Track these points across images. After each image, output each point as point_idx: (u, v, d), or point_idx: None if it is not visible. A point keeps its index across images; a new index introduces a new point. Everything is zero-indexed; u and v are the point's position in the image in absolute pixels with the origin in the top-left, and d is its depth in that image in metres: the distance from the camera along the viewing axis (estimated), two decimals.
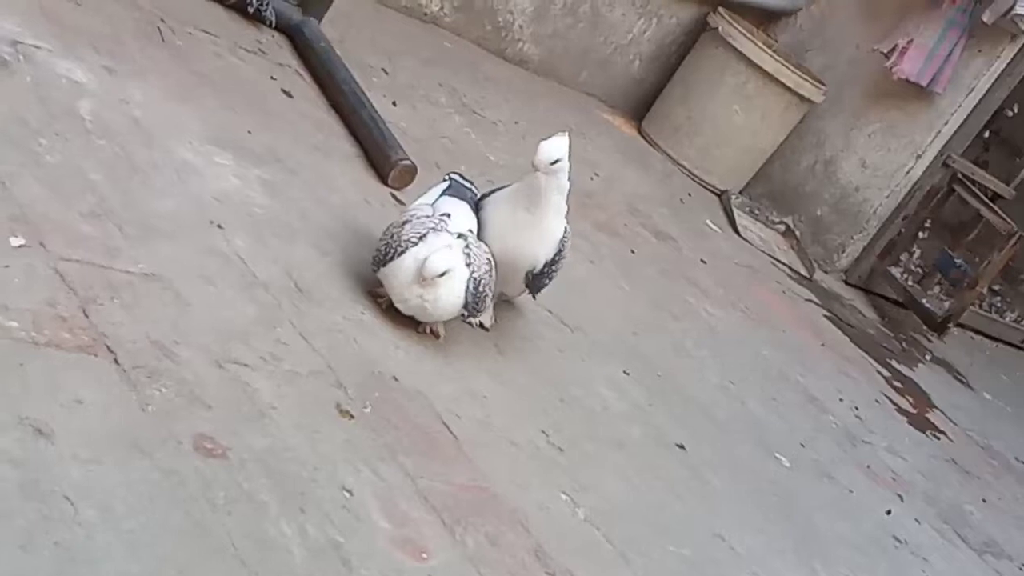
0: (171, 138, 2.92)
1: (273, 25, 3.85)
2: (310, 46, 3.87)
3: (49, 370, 2.02)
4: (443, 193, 3.04)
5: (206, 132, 3.04)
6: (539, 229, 3.05)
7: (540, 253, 3.06)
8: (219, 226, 2.72)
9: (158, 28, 3.38)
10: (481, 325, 3.04)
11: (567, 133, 2.96)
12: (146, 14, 3.40)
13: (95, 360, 2.11)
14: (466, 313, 2.87)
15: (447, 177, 3.13)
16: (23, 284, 2.15)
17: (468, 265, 2.83)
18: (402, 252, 2.81)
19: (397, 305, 2.83)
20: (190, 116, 3.08)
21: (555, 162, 2.92)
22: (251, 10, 3.79)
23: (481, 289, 2.85)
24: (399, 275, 2.80)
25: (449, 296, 2.81)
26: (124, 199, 2.57)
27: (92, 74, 2.93)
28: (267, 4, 3.81)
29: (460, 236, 2.87)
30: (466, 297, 2.83)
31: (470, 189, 3.12)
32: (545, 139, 2.94)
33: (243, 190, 2.93)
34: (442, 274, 2.77)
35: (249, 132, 3.19)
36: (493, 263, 2.93)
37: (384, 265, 2.82)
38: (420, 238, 2.82)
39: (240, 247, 2.70)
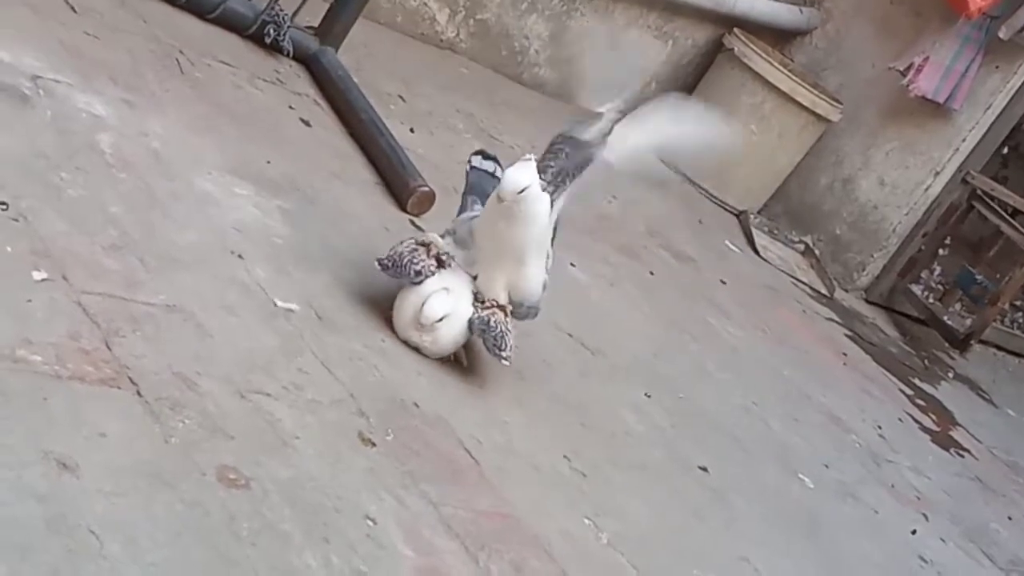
0: (191, 169, 2.94)
1: (291, 55, 3.87)
2: (327, 75, 3.89)
3: (73, 404, 2.02)
4: (464, 193, 3.04)
5: (225, 162, 3.06)
6: (508, 268, 2.88)
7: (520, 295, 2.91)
8: (239, 256, 2.73)
9: (176, 60, 3.40)
10: (457, 359, 2.92)
11: (532, 158, 2.82)
12: (164, 46, 3.42)
13: (118, 393, 2.12)
14: (497, 353, 2.84)
15: (469, 165, 3.11)
16: (46, 318, 2.16)
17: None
18: (402, 285, 2.83)
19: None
20: (209, 147, 3.10)
21: (522, 191, 2.75)
22: (268, 40, 3.81)
23: (493, 325, 2.83)
24: (398, 313, 2.83)
25: (448, 335, 2.83)
26: (145, 231, 2.58)
27: (112, 107, 2.95)
28: (284, 34, 3.83)
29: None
30: (482, 337, 2.83)
31: (492, 174, 3.08)
32: (510, 166, 2.80)
33: (263, 220, 2.94)
34: (440, 319, 2.79)
35: (268, 162, 3.20)
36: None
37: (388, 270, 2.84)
38: (417, 273, 2.81)
39: (261, 277, 2.71)
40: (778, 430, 3.82)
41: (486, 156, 3.15)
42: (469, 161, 3.14)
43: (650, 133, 2.99)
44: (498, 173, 3.10)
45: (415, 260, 2.82)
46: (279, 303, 2.65)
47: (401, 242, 2.88)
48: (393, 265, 2.83)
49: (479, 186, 3.07)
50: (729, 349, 4.21)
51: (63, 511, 1.82)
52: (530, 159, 2.80)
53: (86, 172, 2.64)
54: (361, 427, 2.46)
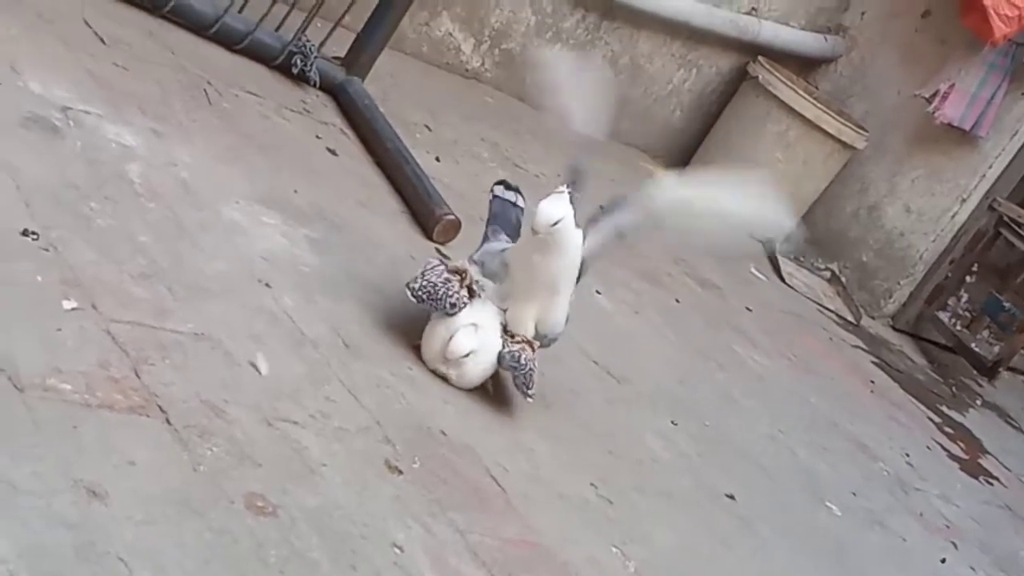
0: (219, 199, 2.96)
1: (317, 85, 3.90)
2: (354, 104, 3.91)
3: (102, 432, 2.04)
4: (488, 223, 3.06)
5: (253, 192, 3.08)
6: (541, 300, 2.90)
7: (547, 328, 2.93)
8: (267, 285, 2.75)
9: (204, 90, 3.43)
10: (483, 386, 2.92)
11: (567, 190, 2.82)
12: (192, 77, 3.46)
13: (147, 420, 2.13)
14: (525, 391, 2.85)
15: (492, 195, 3.13)
16: (75, 347, 2.18)
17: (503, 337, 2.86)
18: (430, 316, 2.84)
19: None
20: (237, 176, 3.12)
21: (556, 223, 2.76)
22: (295, 71, 3.84)
23: (523, 362, 2.83)
24: (427, 344, 2.85)
25: (475, 369, 2.84)
26: (173, 260, 2.61)
27: (140, 137, 2.98)
28: (311, 64, 3.86)
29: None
30: (511, 373, 2.84)
31: (515, 204, 3.11)
32: (544, 198, 2.80)
33: (290, 249, 2.96)
34: (466, 355, 2.80)
35: (295, 191, 3.23)
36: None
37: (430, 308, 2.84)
38: (452, 305, 2.82)
39: (288, 305, 2.72)
40: (805, 458, 3.80)
41: (508, 187, 3.17)
42: (492, 191, 3.16)
43: (701, 189, 2.99)
44: (520, 203, 3.14)
45: (450, 292, 2.83)
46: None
47: (428, 267, 2.88)
48: (428, 297, 2.83)
49: (503, 216, 3.09)
50: (755, 377, 4.20)
51: (92, 539, 1.83)
52: (563, 191, 2.81)
53: (115, 202, 2.67)
54: (388, 455, 2.47)
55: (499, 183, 3.19)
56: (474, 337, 2.81)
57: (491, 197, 3.15)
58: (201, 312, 2.50)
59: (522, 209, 3.13)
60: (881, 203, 5.89)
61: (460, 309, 2.83)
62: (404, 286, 2.85)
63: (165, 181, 2.88)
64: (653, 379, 3.64)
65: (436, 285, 2.83)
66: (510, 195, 3.15)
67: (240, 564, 1.96)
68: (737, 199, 2.94)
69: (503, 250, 2.95)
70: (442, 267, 2.88)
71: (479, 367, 2.84)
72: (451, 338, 2.80)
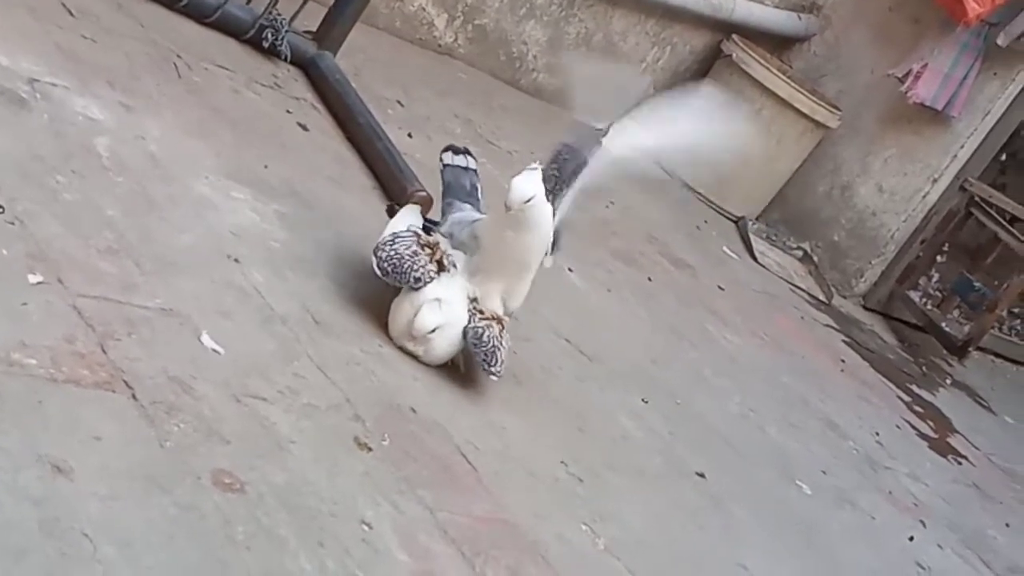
0: (188, 173, 2.93)
1: (288, 59, 3.87)
2: (325, 79, 3.88)
3: (68, 407, 2.02)
4: (443, 196, 3.02)
5: (223, 167, 3.06)
6: (510, 276, 2.89)
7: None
8: (236, 260, 2.72)
9: (174, 64, 3.40)
10: (454, 364, 2.90)
11: (539, 166, 2.81)
12: (162, 50, 3.42)
13: (113, 396, 2.11)
14: (486, 368, 2.82)
15: (441, 163, 3.08)
16: (41, 321, 2.15)
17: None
18: (398, 290, 2.81)
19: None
20: (207, 151, 3.09)
21: (528, 200, 2.75)
22: (266, 44, 3.81)
23: (485, 339, 2.80)
24: (393, 321, 2.82)
25: (443, 344, 2.81)
26: (141, 235, 2.58)
27: (109, 111, 2.95)
28: (282, 38, 3.82)
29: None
30: (475, 351, 2.81)
31: (465, 168, 3.07)
32: (516, 175, 2.78)
33: (260, 224, 2.93)
34: (432, 331, 2.78)
35: (266, 166, 3.20)
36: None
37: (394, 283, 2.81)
38: (416, 279, 2.79)
39: (258, 281, 2.70)
40: (775, 436, 3.81)
41: (456, 151, 3.14)
42: (441, 159, 3.12)
43: (655, 125, 2.98)
44: (472, 165, 3.10)
45: (415, 266, 2.80)
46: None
47: (401, 235, 2.86)
48: (393, 270, 2.81)
49: (456, 184, 3.05)
50: (727, 355, 4.21)
51: (57, 514, 1.81)
52: (536, 168, 2.79)
53: (82, 175, 2.64)
54: (357, 432, 2.45)
55: (447, 149, 3.14)
56: (439, 312, 2.79)
57: (441, 167, 3.11)
58: (169, 287, 2.47)
59: (475, 171, 3.10)
60: (853, 182, 5.91)
61: (425, 284, 2.80)
62: (372, 252, 2.82)
63: (133, 155, 2.85)
64: (625, 357, 3.64)
65: (403, 257, 2.80)
66: (460, 159, 3.10)
67: (207, 540, 1.95)
68: (690, 124, 2.95)
69: (474, 221, 2.93)
70: (413, 238, 2.85)
71: (446, 342, 2.81)
72: (416, 314, 2.79)
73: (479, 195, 3.06)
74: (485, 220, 2.93)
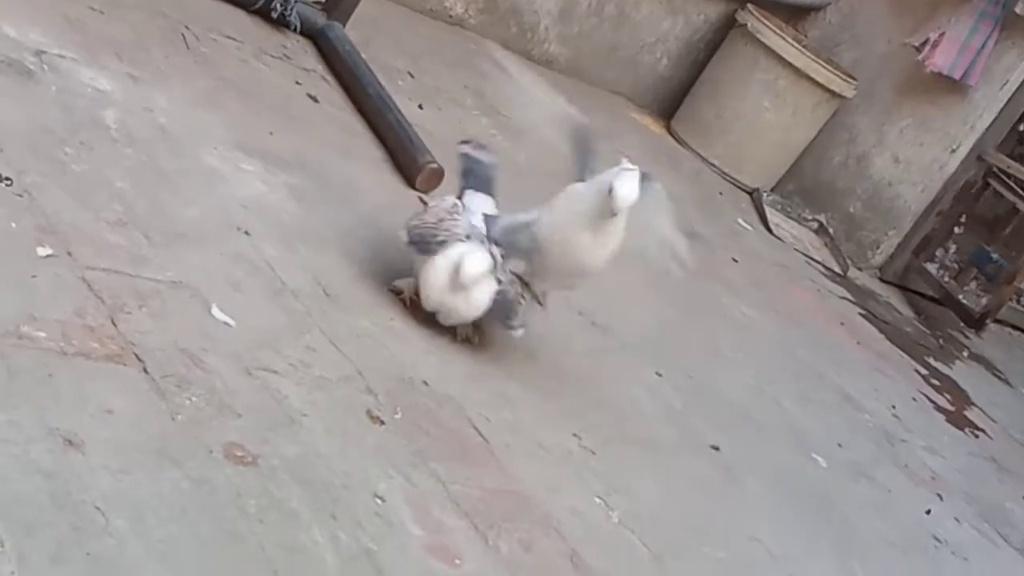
0: (197, 145, 2.91)
1: (298, 30, 3.84)
2: (335, 50, 3.85)
3: (78, 380, 2.00)
4: (461, 179, 2.99)
5: (232, 138, 3.03)
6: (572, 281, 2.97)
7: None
8: (246, 233, 2.70)
9: (182, 35, 3.38)
10: (467, 338, 2.88)
11: (636, 168, 2.75)
12: (170, 21, 3.39)
13: (124, 369, 2.10)
14: (507, 323, 2.80)
15: (461, 154, 3.03)
16: (51, 294, 2.14)
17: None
18: (434, 252, 2.77)
19: (422, 302, 2.79)
20: (216, 122, 3.07)
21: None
22: (275, 15, 3.78)
23: (510, 297, 2.79)
24: (427, 282, 2.76)
25: (482, 296, 2.76)
26: (151, 207, 2.56)
27: (117, 82, 2.93)
28: (291, 9, 3.79)
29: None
30: (499, 308, 2.78)
31: (483, 162, 3.02)
32: (618, 180, 2.71)
33: (270, 196, 2.91)
34: (480, 274, 2.72)
35: (273, 135, 3.17)
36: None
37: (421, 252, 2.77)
38: (453, 236, 2.75)
39: (268, 253, 2.68)
40: (791, 409, 3.79)
41: (477, 146, 3.08)
42: (464, 153, 3.05)
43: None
44: (491, 160, 3.04)
45: (448, 227, 2.75)
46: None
47: (427, 211, 2.82)
48: (420, 239, 2.75)
49: (477, 173, 2.99)
50: (741, 328, 4.18)
51: (69, 487, 1.80)
52: (634, 169, 2.73)
53: (91, 147, 2.62)
54: (369, 405, 2.44)
55: (465, 143, 3.08)
56: (487, 256, 2.74)
57: (462, 154, 3.06)
58: (179, 260, 2.46)
59: (495, 165, 3.07)
60: (869, 153, 5.86)
61: (459, 240, 2.74)
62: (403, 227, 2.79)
63: (142, 127, 2.83)
64: (638, 330, 3.62)
65: (434, 223, 2.76)
66: (481, 155, 3.06)
67: (218, 513, 1.94)
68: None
69: (528, 223, 2.85)
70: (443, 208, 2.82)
71: (487, 294, 2.75)
72: (463, 261, 2.71)
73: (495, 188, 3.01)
74: (546, 220, 2.84)
